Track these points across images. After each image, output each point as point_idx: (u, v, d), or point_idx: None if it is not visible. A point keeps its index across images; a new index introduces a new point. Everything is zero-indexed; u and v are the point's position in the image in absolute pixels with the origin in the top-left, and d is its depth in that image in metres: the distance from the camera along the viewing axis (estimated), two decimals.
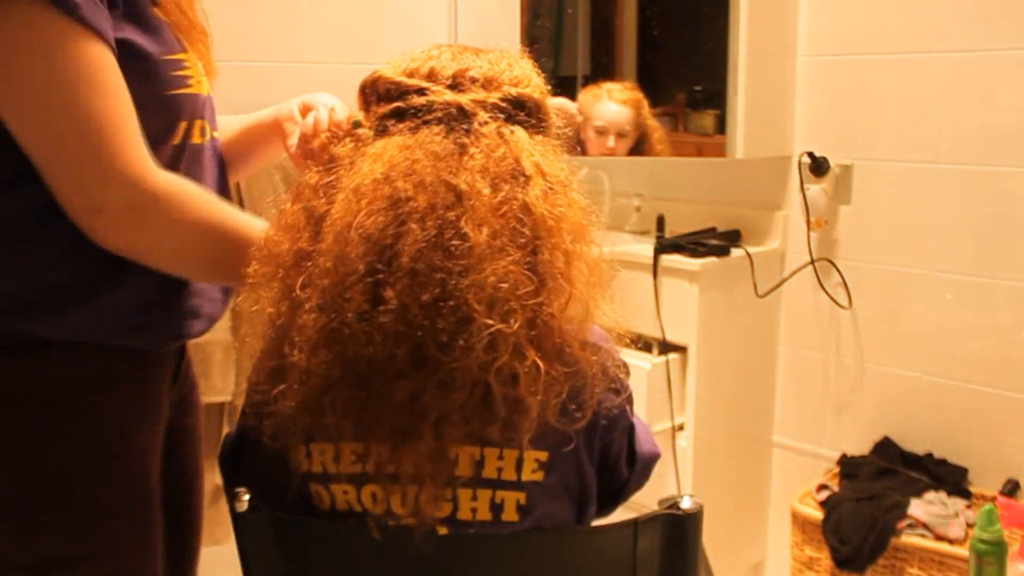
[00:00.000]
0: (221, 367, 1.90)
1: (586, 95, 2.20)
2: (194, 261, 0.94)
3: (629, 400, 0.91)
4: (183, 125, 0.95)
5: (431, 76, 0.86)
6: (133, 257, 0.89)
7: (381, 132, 0.86)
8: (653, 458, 0.96)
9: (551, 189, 0.83)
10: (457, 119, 0.83)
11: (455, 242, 0.77)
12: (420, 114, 0.84)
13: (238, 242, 0.92)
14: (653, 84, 2.14)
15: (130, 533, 0.95)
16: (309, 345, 0.79)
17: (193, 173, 0.96)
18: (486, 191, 0.79)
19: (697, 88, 2.08)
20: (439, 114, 0.83)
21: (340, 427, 0.80)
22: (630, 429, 0.92)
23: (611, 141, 2.12)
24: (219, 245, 0.92)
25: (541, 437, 0.80)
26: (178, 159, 0.95)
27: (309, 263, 0.81)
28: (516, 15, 2.28)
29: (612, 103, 2.14)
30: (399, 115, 0.85)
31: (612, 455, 0.90)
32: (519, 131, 0.85)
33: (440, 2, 2.47)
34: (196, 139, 0.98)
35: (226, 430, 1.94)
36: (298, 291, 0.80)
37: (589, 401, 0.82)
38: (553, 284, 0.80)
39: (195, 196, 0.91)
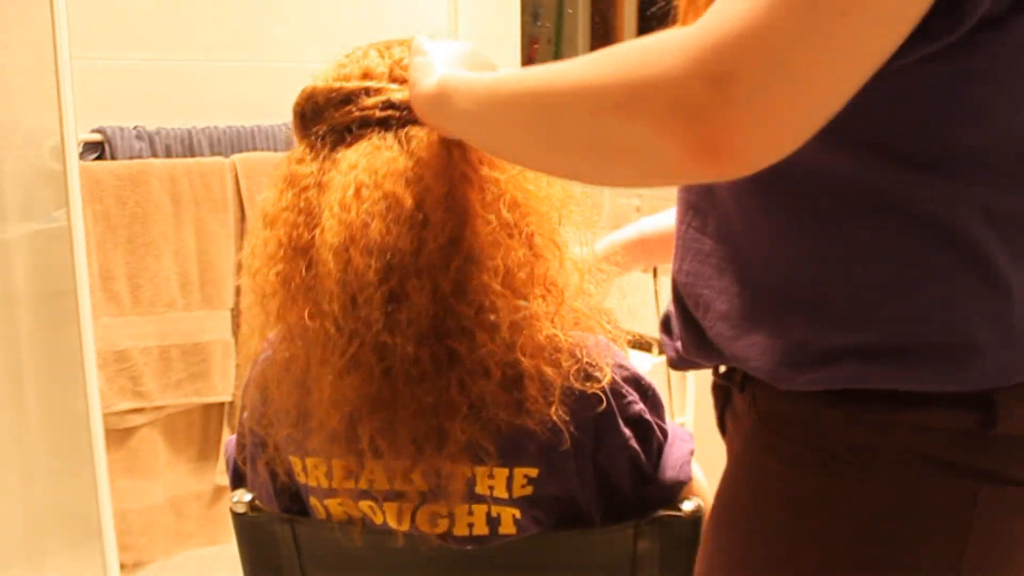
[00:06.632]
0: (221, 367, 1.90)
1: None
2: None
3: (637, 421, 0.85)
4: None
5: (367, 75, 0.82)
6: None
7: (338, 143, 0.81)
8: (676, 485, 0.87)
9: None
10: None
11: (464, 233, 0.77)
12: (377, 111, 0.80)
13: None
14: None
15: None
16: (335, 373, 0.77)
17: None
18: (498, 176, 0.79)
19: None
20: (398, 114, 0.80)
21: (376, 449, 0.79)
22: (633, 454, 0.85)
23: None
24: None
25: (532, 454, 0.79)
26: None
27: (311, 293, 0.78)
28: (516, 15, 2.27)
29: None
30: (359, 121, 0.81)
31: (613, 476, 0.85)
32: None
33: (440, 2, 2.47)
34: None
35: (226, 430, 1.94)
36: (307, 320, 0.78)
37: (605, 357, 0.81)
38: (550, 254, 0.81)
39: None
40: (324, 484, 0.83)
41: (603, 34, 2.24)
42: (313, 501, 0.86)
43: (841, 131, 0.51)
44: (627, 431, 0.84)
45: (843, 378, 0.62)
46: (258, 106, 1.97)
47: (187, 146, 1.85)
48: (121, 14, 1.81)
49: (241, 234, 1.90)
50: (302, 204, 0.80)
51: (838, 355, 0.62)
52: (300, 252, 0.79)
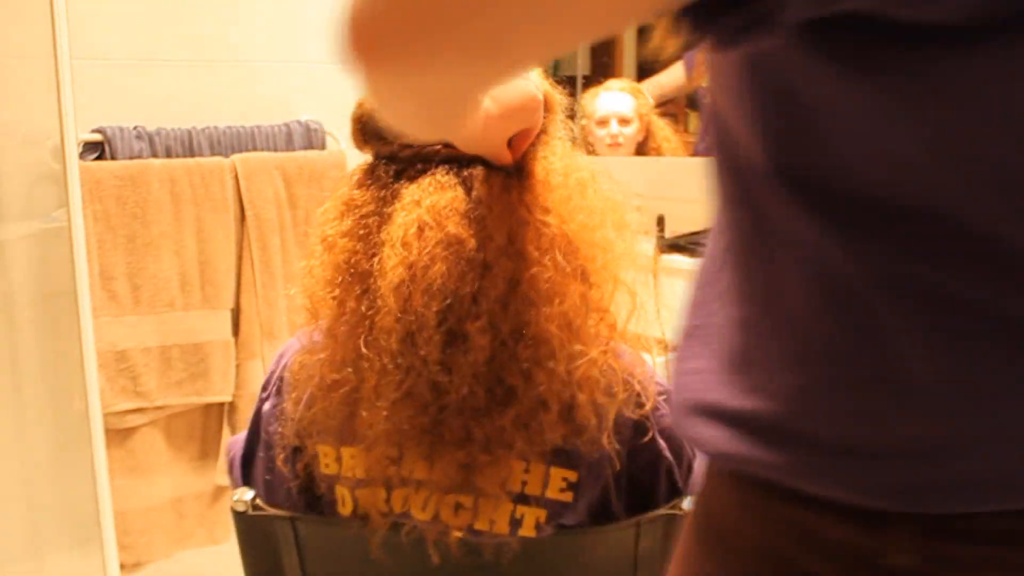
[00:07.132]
0: (221, 367, 1.90)
1: (587, 96, 2.20)
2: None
3: (671, 435, 0.85)
4: None
5: None
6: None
7: (400, 174, 0.82)
8: None
9: (569, 197, 0.82)
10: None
11: (524, 276, 0.77)
12: (442, 149, 0.81)
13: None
14: None
15: None
16: (389, 405, 0.78)
17: None
18: (551, 221, 0.79)
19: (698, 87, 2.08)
20: (460, 153, 0.80)
21: (413, 468, 0.80)
22: (668, 466, 0.86)
23: (614, 126, 2.12)
24: None
25: (572, 456, 0.80)
26: None
27: (366, 322, 0.79)
28: None
29: (610, 92, 2.15)
30: (424, 157, 0.82)
31: (647, 485, 0.86)
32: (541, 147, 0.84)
33: None
34: None
35: (226, 430, 1.94)
36: (364, 349, 0.78)
37: (648, 385, 0.82)
38: (604, 283, 0.82)
39: None
40: (360, 475, 0.83)
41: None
42: (340, 492, 0.85)
43: None
44: (663, 443, 0.85)
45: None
46: (258, 106, 1.97)
47: (187, 146, 1.85)
48: (121, 14, 1.81)
49: (241, 234, 1.90)
50: (361, 231, 0.81)
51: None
52: (357, 279, 0.80)
